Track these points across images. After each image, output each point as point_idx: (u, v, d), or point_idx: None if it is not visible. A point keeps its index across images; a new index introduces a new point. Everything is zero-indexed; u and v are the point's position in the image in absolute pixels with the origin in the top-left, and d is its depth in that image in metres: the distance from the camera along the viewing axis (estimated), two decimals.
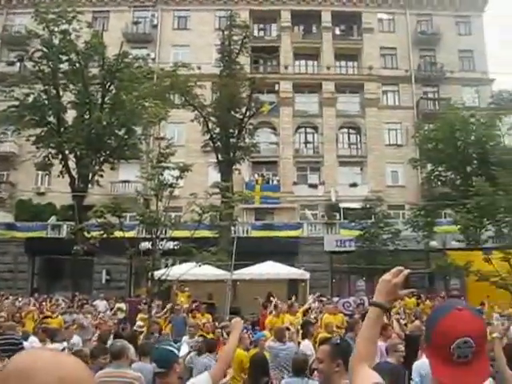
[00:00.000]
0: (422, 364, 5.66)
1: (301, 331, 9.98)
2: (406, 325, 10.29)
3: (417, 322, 9.82)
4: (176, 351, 3.74)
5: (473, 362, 1.37)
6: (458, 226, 19.36)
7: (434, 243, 24.64)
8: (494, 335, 3.98)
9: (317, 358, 3.42)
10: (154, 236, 12.94)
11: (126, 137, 23.94)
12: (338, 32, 37.05)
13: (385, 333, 7.33)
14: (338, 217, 30.25)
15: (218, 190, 16.98)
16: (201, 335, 8.69)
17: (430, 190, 29.33)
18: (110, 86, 23.70)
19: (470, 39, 36.46)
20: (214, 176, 26.38)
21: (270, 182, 32.94)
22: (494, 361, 3.62)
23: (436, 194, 27.62)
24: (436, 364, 1.41)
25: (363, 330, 1.72)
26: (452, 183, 27.54)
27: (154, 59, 31.71)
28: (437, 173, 28.51)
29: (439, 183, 28.72)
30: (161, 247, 13.22)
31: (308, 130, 35.26)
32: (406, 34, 36.31)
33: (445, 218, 26.96)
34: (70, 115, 24.28)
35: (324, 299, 17.31)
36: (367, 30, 36.28)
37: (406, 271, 1.72)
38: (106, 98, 23.72)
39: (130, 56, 24.23)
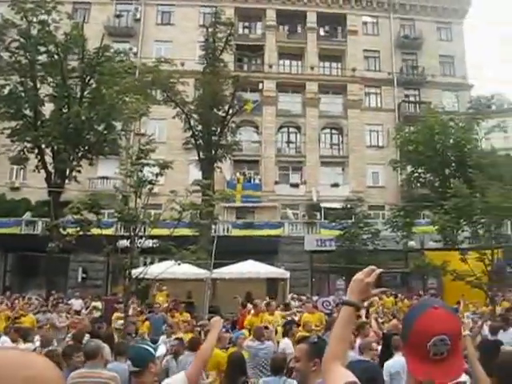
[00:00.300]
0: (392, 363, 5.82)
1: (282, 330, 10.04)
2: (383, 323, 10.36)
3: (394, 321, 9.95)
4: (152, 350, 3.67)
5: (448, 359, 1.41)
6: (436, 227, 19.71)
7: (412, 243, 25.13)
8: (465, 333, 3.99)
9: (294, 357, 3.42)
10: (132, 234, 12.63)
11: (105, 132, 23.43)
12: (322, 33, 37.22)
13: (362, 331, 7.57)
14: (318, 216, 30.37)
15: (198, 188, 16.77)
16: (176, 338, 8.47)
17: (410, 191, 29.79)
18: (89, 80, 23.15)
19: (451, 45, 37.29)
20: (195, 174, 26.10)
21: (252, 180, 32.79)
22: (467, 358, 3.64)
23: (415, 195, 28.06)
24: (413, 361, 1.44)
25: (336, 328, 1.72)
26: (431, 185, 28.04)
27: (135, 54, 31.16)
28: (416, 174, 29.01)
29: (418, 185, 29.24)
30: (139, 245, 12.91)
31: (291, 129, 35.27)
32: (389, 38, 36.76)
33: (423, 218, 27.31)
34: (48, 108, 23.60)
35: (303, 298, 17.35)
36: (351, 32, 36.61)
37: (379, 270, 1.73)
38: (85, 92, 23.16)
39: (112, 50, 23.71)
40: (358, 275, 1.74)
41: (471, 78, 37.82)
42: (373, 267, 1.75)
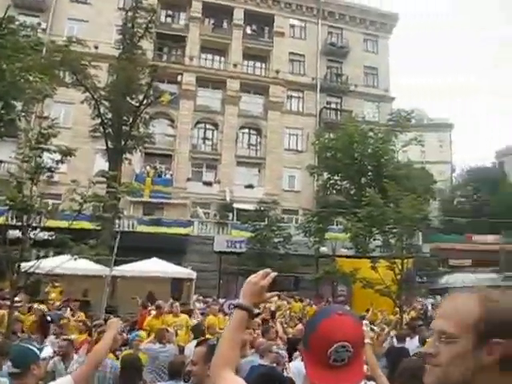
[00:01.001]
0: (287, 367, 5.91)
1: (184, 333, 9.97)
2: (290, 328, 10.55)
3: (300, 326, 9.99)
4: (36, 351, 3.36)
5: (348, 366, 1.40)
6: (348, 234, 19.90)
7: (324, 249, 25.44)
8: (366, 341, 3.90)
9: (191, 361, 3.36)
10: (24, 224, 11.47)
11: (2, 111, 21.29)
12: (248, 31, 36.86)
13: (267, 335, 7.57)
14: (230, 217, 30.00)
15: (103, 179, 15.78)
16: (65, 339, 7.76)
17: (325, 198, 29.91)
18: None
19: (376, 57, 38.45)
20: (102, 164, 24.70)
21: (163, 175, 31.66)
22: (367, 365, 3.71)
23: (330, 202, 28.20)
24: (311, 366, 1.43)
25: (226, 331, 1.67)
26: (346, 192, 28.31)
27: (44, 30, 28.96)
28: (332, 181, 29.25)
29: (334, 191, 29.48)
30: (32, 237, 11.77)
31: (208, 126, 34.51)
32: (315, 43, 37.11)
33: (336, 225, 27.60)
34: None
35: (209, 300, 16.97)
36: (278, 34, 36.57)
37: (273, 274, 1.70)
38: None
39: (17, 22, 21.61)
40: (252, 278, 1.69)
41: (393, 91, 39.35)
42: (267, 270, 1.71)
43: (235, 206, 30.50)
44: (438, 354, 1.17)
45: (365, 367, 3.67)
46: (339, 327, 1.41)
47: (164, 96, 27.50)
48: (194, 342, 8.20)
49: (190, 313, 12.59)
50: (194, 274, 18.69)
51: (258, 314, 10.18)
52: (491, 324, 1.15)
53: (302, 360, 1.63)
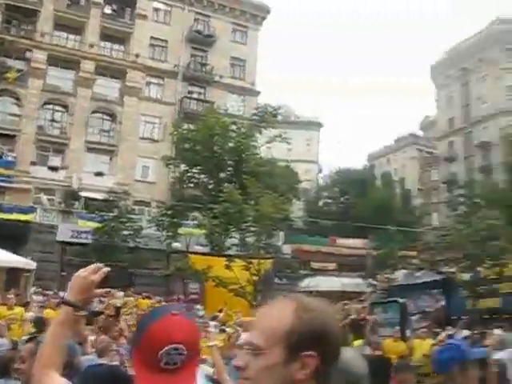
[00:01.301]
0: None
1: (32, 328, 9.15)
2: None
3: None
4: None
5: (180, 369, 1.34)
6: (203, 230, 19.38)
7: (177, 244, 24.70)
8: (213, 343, 4.10)
9: (20, 357, 3.20)
10: None
11: None
12: (108, 11, 35.06)
13: (109, 333, 7.36)
14: (76, 205, 28.64)
15: None
16: None
17: (181, 191, 29.10)
18: None
19: (244, 49, 37.85)
20: None
21: (4, 156, 29.19)
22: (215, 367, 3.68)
23: (186, 196, 27.49)
24: (139, 369, 1.34)
25: (51, 329, 1.55)
26: (204, 187, 27.81)
27: None
28: (189, 174, 28.65)
29: (191, 185, 28.86)
30: None
31: (57, 107, 32.43)
32: (180, 30, 35.91)
33: (192, 220, 26.99)
34: None
35: (50, 293, 16.34)
36: (140, 16, 35.00)
37: (106, 269, 1.61)
38: None
39: None
40: (81, 272, 1.60)
41: (263, 86, 38.70)
42: (99, 265, 1.63)
43: (83, 194, 29.15)
44: (247, 366, 1.09)
45: (211, 370, 3.80)
46: (172, 328, 1.33)
47: (10, 72, 25.41)
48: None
49: (25, 305, 12.14)
50: (33, 265, 17.75)
51: (101, 313, 10.09)
52: (304, 336, 1.07)
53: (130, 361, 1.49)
